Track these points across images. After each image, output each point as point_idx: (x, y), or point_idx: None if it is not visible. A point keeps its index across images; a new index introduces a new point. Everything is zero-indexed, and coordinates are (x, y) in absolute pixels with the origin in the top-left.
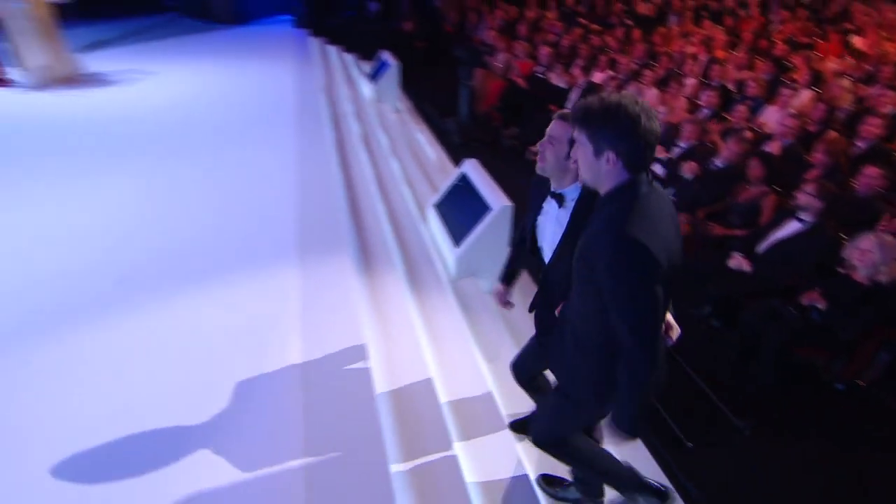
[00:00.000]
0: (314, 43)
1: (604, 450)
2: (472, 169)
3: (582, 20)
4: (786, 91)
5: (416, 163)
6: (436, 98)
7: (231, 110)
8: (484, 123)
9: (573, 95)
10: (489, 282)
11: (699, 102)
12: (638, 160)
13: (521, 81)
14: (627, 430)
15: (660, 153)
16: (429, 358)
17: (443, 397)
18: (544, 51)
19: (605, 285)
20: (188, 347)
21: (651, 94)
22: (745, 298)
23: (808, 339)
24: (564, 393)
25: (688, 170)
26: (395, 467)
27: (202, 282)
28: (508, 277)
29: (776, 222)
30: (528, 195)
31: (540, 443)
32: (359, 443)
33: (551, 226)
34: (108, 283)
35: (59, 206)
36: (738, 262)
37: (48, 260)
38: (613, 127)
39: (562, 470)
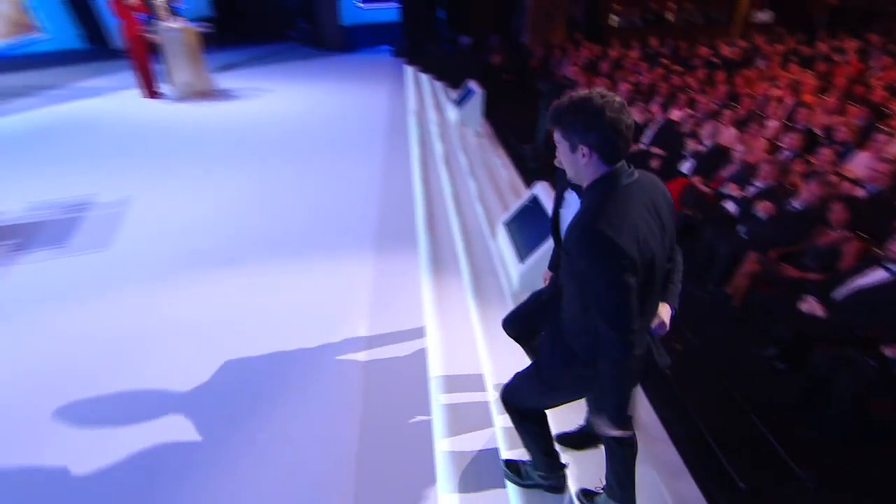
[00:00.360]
0: (409, 71)
1: (549, 437)
2: (543, 191)
3: (664, 60)
4: (881, 137)
5: (492, 183)
6: (516, 126)
7: (331, 124)
8: None
9: (649, 131)
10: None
11: (781, 144)
12: (611, 151)
13: None
14: (610, 419)
15: (733, 191)
16: (483, 357)
17: (491, 395)
18: (624, 87)
19: (581, 276)
20: (274, 309)
21: (729, 133)
22: (817, 343)
23: (886, 393)
24: (545, 367)
25: (762, 209)
26: (440, 446)
27: (293, 258)
28: (554, 264)
29: (858, 269)
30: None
31: (504, 399)
32: (409, 421)
33: (571, 216)
34: (228, 249)
35: (194, 191)
36: (811, 306)
37: (186, 229)
38: (580, 121)
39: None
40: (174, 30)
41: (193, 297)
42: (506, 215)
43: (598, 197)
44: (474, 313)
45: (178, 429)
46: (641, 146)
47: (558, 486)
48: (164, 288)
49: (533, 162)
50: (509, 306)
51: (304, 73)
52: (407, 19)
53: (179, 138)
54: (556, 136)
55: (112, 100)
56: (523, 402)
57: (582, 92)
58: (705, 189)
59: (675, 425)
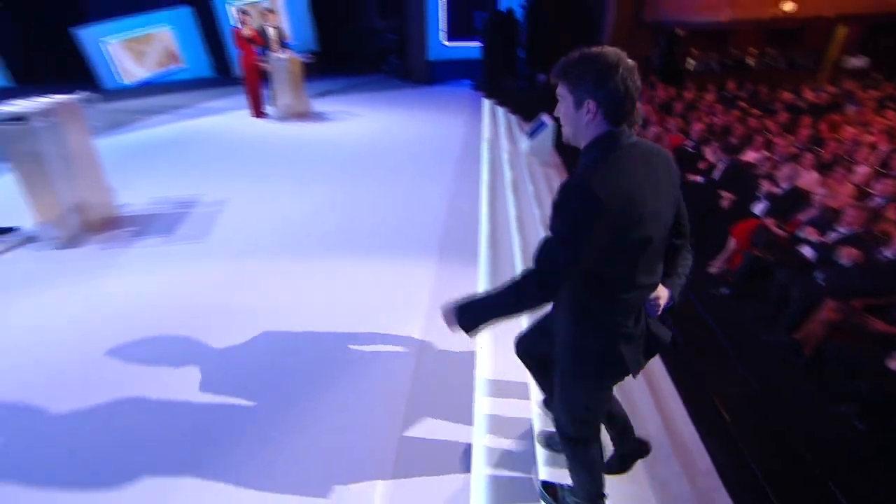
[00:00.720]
0: (486, 103)
1: (601, 464)
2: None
3: (742, 103)
4: None
5: None
6: None
7: (409, 145)
8: None
9: (717, 170)
10: None
11: (871, 191)
12: (617, 109)
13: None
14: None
15: (812, 235)
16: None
17: (534, 412)
18: (697, 126)
19: (551, 227)
20: (337, 302)
21: (811, 177)
22: None
23: None
24: (561, 368)
25: (846, 256)
26: (477, 457)
27: (360, 259)
28: None
29: None
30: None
31: (565, 435)
32: (449, 426)
33: None
34: (312, 241)
35: (282, 195)
36: None
37: (271, 227)
38: (592, 75)
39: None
40: (282, 60)
41: (266, 285)
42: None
43: (596, 155)
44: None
45: (232, 396)
46: (706, 180)
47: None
48: (242, 274)
49: None
50: None
51: (391, 101)
52: (487, 56)
53: (276, 151)
54: (561, 90)
55: (226, 118)
56: (577, 417)
57: (594, 48)
58: (780, 231)
59: (731, 472)
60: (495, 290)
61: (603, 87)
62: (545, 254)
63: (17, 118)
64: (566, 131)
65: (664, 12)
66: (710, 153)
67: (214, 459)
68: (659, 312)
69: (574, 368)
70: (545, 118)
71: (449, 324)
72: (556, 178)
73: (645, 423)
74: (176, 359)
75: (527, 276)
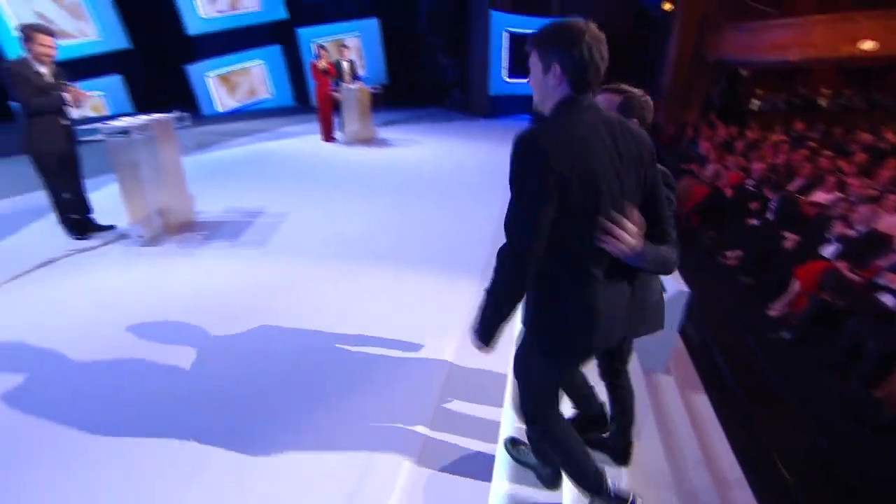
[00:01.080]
0: None
1: (580, 443)
2: None
3: (812, 143)
4: None
5: None
6: None
7: (464, 171)
8: (680, 224)
9: (773, 205)
10: (650, 360)
11: None
12: (582, 75)
13: (728, 191)
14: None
15: (894, 283)
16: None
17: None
18: (758, 166)
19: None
20: (380, 312)
21: (893, 221)
22: None
23: None
24: (523, 339)
25: None
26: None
27: (406, 272)
28: None
29: None
30: None
31: (526, 416)
32: (478, 429)
33: None
34: (362, 255)
35: (341, 212)
36: None
37: (325, 240)
38: (560, 41)
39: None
40: (352, 90)
41: (315, 291)
42: None
43: (554, 116)
44: None
45: (269, 385)
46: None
47: (553, 479)
48: (295, 279)
49: None
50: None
51: (451, 131)
52: None
53: (339, 172)
54: (533, 58)
55: (299, 141)
56: (536, 392)
57: (565, 18)
58: (854, 277)
59: None
60: (486, 295)
61: (569, 53)
62: (510, 217)
63: (122, 132)
64: (535, 98)
65: (728, 52)
66: (770, 193)
67: (244, 438)
68: (612, 248)
69: (533, 340)
70: None
71: (474, 345)
72: None
73: (690, 479)
74: (223, 345)
75: (501, 252)
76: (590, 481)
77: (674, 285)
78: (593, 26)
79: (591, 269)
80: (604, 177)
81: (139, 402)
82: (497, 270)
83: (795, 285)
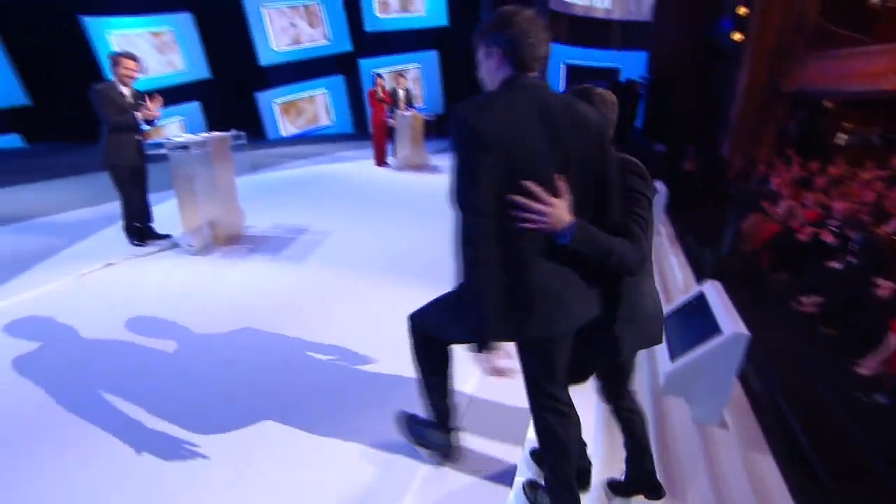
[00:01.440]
0: None
1: (440, 385)
2: (713, 290)
3: None
4: None
5: (661, 279)
6: (698, 230)
7: None
8: (748, 263)
9: (854, 246)
10: (702, 410)
11: None
12: (516, 53)
13: (803, 230)
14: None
15: None
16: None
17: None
18: (840, 205)
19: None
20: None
21: None
22: None
23: None
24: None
25: None
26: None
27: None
28: None
29: None
30: None
31: (413, 318)
32: (504, 436)
33: None
34: (401, 273)
35: (382, 232)
36: None
37: (362, 258)
38: (496, 25)
39: None
40: (406, 117)
41: (346, 305)
42: (667, 308)
43: (490, 91)
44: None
45: (296, 387)
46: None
47: (445, 446)
48: (329, 291)
49: (711, 268)
50: (647, 396)
51: None
52: None
53: (387, 195)
54: (479, 52)
55: (352, 165)
56: (430, 328)
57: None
58: None
59: None
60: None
61: (504, 34)
62: (452, 184)
63: (182, 146)
64: (485, 83)
65: (809, 82)
66: (854, 233)
67: (269, 439)
68: (529, 222)
69: (458, 304)
70: (658, 184)
71: (479, 360)
72: (667, 247)
73: None
74: (258, 346)
75: (461, 226)
76: (437, 413)
77: (731, 326)
78: (528, 11)
79: (520, 244)
80: (532, 151)
81: (156, 396)
82: (462, 246)
83: (892, 340)
